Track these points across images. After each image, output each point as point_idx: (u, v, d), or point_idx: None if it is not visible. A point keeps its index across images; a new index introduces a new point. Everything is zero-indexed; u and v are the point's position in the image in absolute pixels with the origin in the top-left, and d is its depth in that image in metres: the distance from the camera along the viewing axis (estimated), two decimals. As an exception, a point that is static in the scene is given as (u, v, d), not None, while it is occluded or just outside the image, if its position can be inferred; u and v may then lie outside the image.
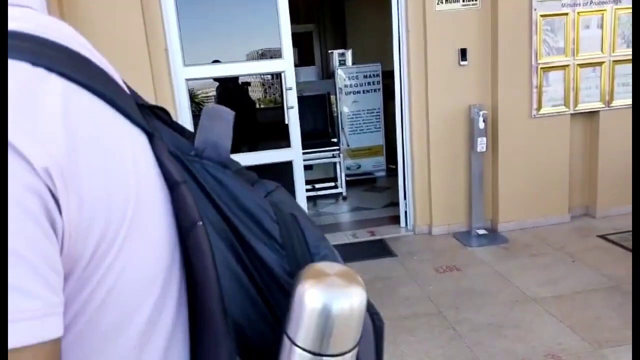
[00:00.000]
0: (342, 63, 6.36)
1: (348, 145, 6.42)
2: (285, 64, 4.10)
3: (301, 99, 6.33)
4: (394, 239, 4.45)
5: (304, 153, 5.69)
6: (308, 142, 5.83)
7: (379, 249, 4.25)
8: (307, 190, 5.88)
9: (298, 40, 10.47)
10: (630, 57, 4.31)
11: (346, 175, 6.44)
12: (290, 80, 4.12)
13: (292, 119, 4.20)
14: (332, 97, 6.36)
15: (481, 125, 4.09)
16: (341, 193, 5.81)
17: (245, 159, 4.20)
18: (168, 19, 3.82)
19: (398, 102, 4.37)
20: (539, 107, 4.27)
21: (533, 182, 4.37)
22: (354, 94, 6.34)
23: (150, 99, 3.78)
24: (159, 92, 3.85)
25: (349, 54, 6.39)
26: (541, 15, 4.10)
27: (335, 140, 5.81)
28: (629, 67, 4.31)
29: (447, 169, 4.35)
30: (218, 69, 4.20)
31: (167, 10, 3.81)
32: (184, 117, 3.98)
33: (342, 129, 6.37)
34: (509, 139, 4.26)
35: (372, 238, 4.52)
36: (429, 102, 4.22)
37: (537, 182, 4.37)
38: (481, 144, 4.13)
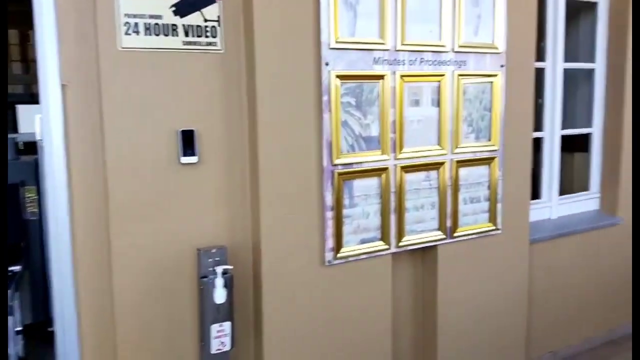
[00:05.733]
0: None
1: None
2: None
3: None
4: None
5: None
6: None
7: None
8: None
9: None
10: (479, 157, 2.47)
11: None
12: None
13: None
14: None
15: (219, 296, 1.81)
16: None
17: None
18: None
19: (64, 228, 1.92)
20: (338, 246, 2.16)
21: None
22: None
23: None
24: None
25: None
26: (339, 77, 2.05)
27: None
28: (478, 172, 2.47)
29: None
30: None
31: None
32: None
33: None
34: (284, 315, 2.03)
35: None
36: (111, 236, 1.84)
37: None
38: (220, 333, 1.83)
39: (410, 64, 2.20)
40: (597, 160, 3.19)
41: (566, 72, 3.00)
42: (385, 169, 2.20)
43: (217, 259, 1.84)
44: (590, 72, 3.13)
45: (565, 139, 3.07)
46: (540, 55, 2.83)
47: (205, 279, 1.82)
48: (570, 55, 3.08)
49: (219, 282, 1.80)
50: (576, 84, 3.25)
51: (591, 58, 3.12)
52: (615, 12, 3.01)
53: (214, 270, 1.82)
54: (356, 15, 2.04)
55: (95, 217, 1.81)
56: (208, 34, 1.89)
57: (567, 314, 2.99)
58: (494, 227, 2.52)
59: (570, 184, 3.43)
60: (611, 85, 3.08)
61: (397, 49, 2.15)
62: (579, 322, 3.06)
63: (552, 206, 3.03)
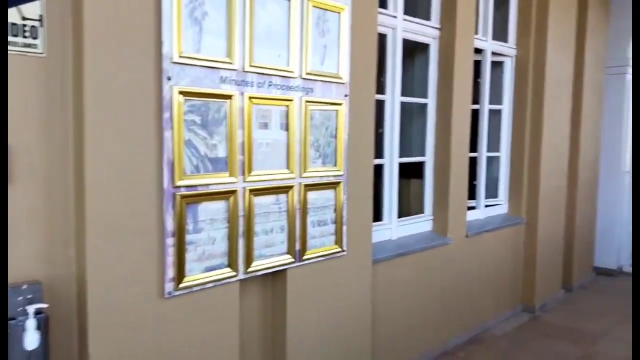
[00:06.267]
0: None
1: None
2: None
3: None
4: None
5: None
6: None
7: None
8: None
9: None
10: (326, 181, 2.52)
11: None
12: None
13: None
14: None
15: (31, 341, 1.52)
16: None
17: None
18: None
19: None
20: (180, 276, 1.99)
21: None
22: None
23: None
24: None
25: None
26: (182, 93, 1.93)
27: None
28: (325, 195, 2.51)
29: None
30: None
31: None
32: None
33: None
34: (114, 358, 1.79)
35: None
36: None
37: None
38: (29, 388, 1.54)
39: (259, 87, 2.16)
40: (430, 185, 3.51)
41: (403, 105, 3.26)
42: (233, 192, 2.11)
43: (28, 296, 1.55)
44: (424, 106, 3.46)
45: (402, 166, 3.31)
46: (380, 89, 3.04)
47: (12, 322, 1.51)
48: (407, 90, 3.37)
49: (31, 324, 1.51)
50: (412, 117, 3.56)
51: (424, 94, 3.45)
52: (443, 53, 3.38)
53: (25, 310, 1.52)
54: (202, 31, 1.95)
55: None
56: (26, 34, 1.63)
57: (407, 329, 3.17)
58: (340, 249, 2.57)
59: (408, 207, 3.71)
60: (440, 118, 3.43)
61: (245, 70, 2.10)
62: (418, 335, 3.26)
63: (392, 228, 3.23)
